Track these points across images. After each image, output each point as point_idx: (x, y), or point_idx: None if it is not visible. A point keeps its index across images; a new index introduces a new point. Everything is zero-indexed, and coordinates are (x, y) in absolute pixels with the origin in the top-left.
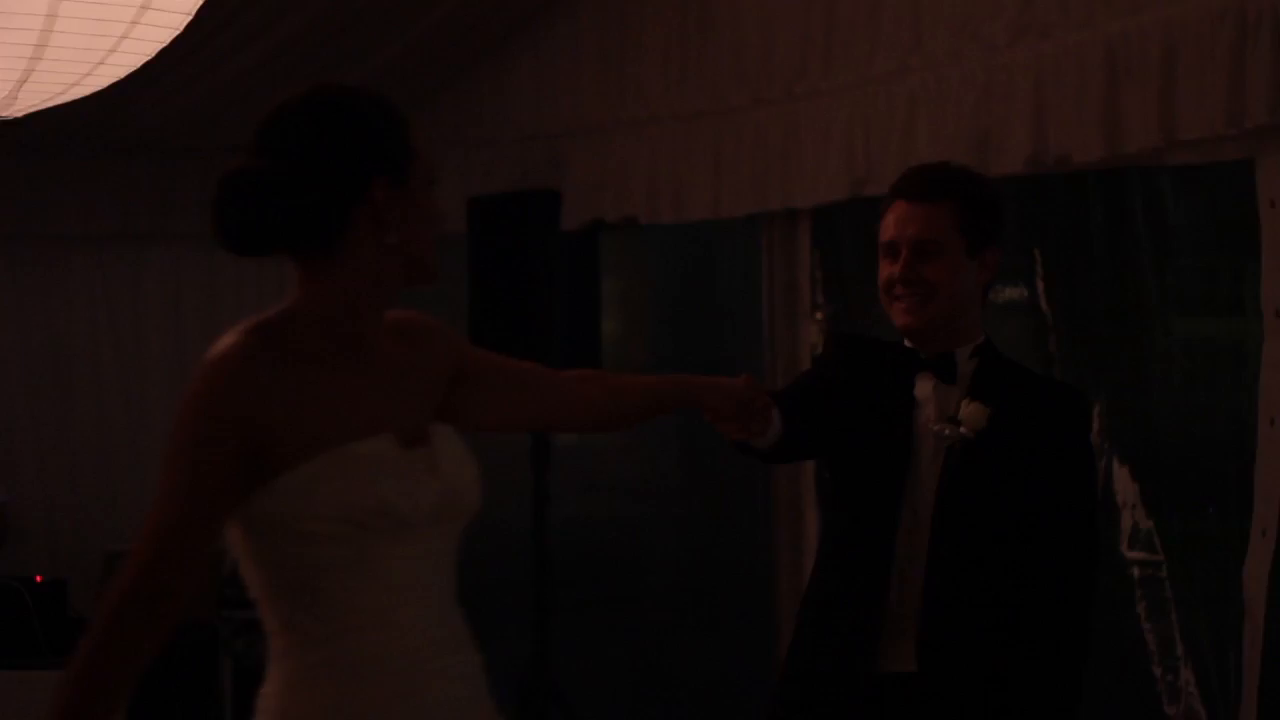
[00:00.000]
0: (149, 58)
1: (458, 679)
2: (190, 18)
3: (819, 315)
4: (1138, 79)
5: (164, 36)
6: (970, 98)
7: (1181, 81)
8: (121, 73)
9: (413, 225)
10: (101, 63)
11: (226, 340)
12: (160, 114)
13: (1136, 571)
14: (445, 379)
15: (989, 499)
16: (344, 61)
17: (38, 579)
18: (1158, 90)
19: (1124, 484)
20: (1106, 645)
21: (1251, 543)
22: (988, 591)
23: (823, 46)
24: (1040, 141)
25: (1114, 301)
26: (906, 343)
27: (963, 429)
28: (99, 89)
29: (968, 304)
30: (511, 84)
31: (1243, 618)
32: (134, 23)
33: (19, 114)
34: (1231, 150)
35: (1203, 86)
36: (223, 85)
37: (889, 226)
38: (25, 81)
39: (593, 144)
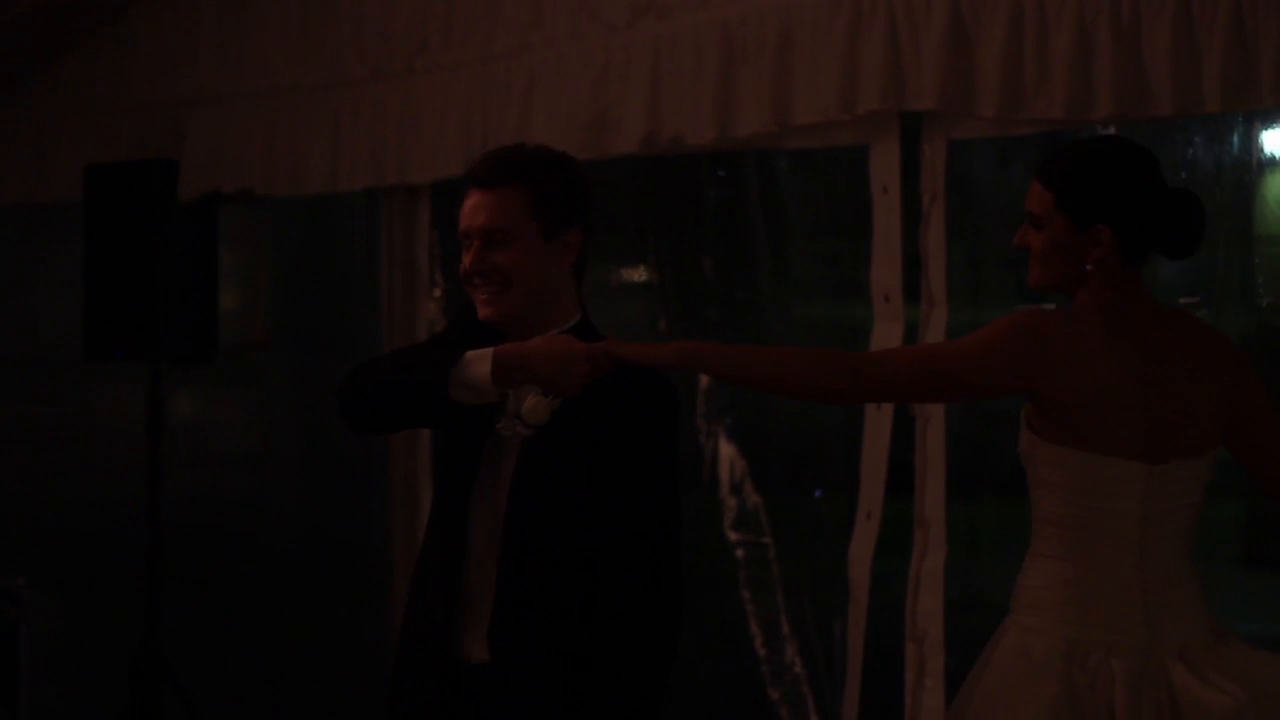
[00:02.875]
0: None
1: None
2: None
3: (437, 292)
4: (753, 63)
5: None
6: (588, 77)
7: (796, 66)
8: None
9: None
10: None
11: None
12: None
13: (741, 552)
14: None
15: (556, 491)
16: None
17: None
18: (772, 74)
19: (733, 465)
20: (709, 627)
21: (857, 524)
22: (560, 582)
23: (443, 22)
24: (655, 122)
25: (729, 283)
26: None
27: (519, 425)
28: None
29: (551, 289)
30: (131, 50)
31: (848, 598)
32: None
33: None
34: (846, 135)
35: (816, 72)
36: None
37: (463, 215)
38: None
39: (211, 114)
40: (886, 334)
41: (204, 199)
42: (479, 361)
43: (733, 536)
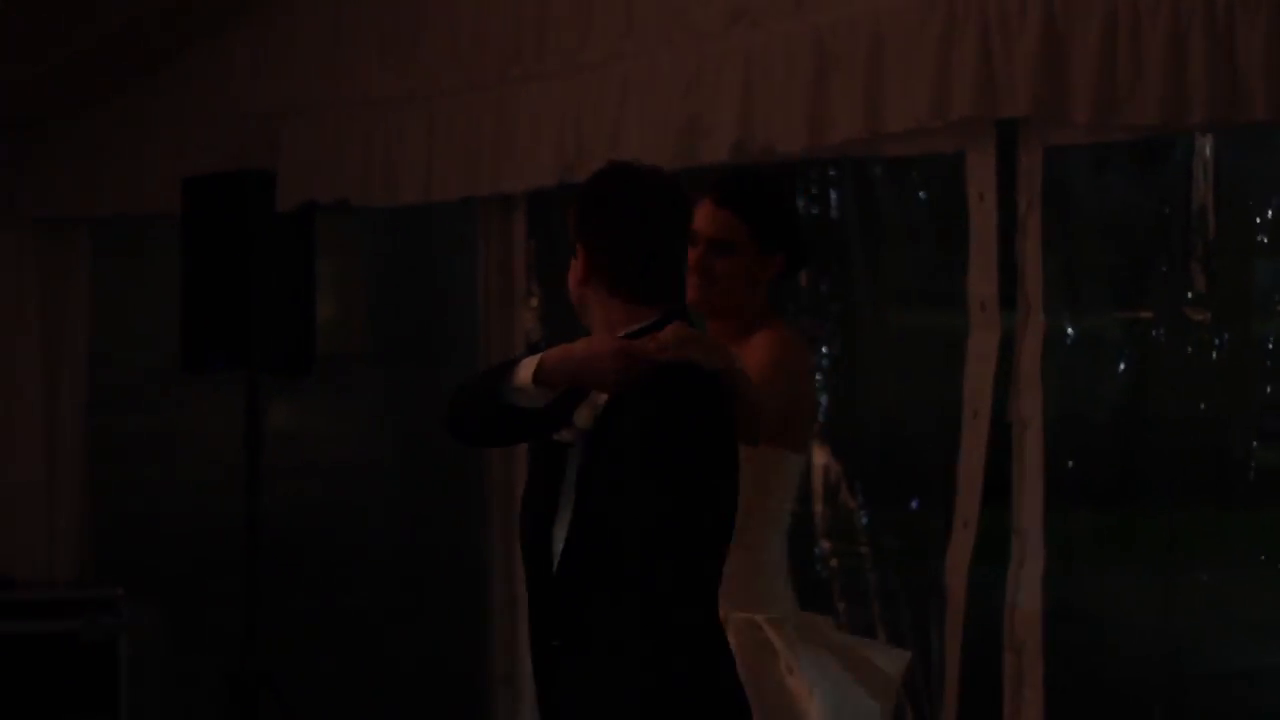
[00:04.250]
0: None
1: None
2: None
3: (534, 301)
4: (845, 70)
5: None
6: (680, 85)
7: (888, 73)
8: None
9: None
10: None
11: None
12: None
13: (836, 563)
14: None
15: (602, 486)
16: (56, 37)
17: None
18: (864, 81)
19: (828, 473)
20: None
21: (954, 533)
22: (610, 576)
23: (536, 31)
24: (747, 130)
25: (824, 291)
26: None
27: (569, 430)
28: None
29: (583, 301)
30: (228, 62)
31: (945, 608)
32: None
33: None
34: (941, 143)
35: (909, 78)
36: None
37: None
38: None
39: (307, 124)
40: (982, 342)
41: (301, 209)
42: (527, 365)
43: (827, 546)
